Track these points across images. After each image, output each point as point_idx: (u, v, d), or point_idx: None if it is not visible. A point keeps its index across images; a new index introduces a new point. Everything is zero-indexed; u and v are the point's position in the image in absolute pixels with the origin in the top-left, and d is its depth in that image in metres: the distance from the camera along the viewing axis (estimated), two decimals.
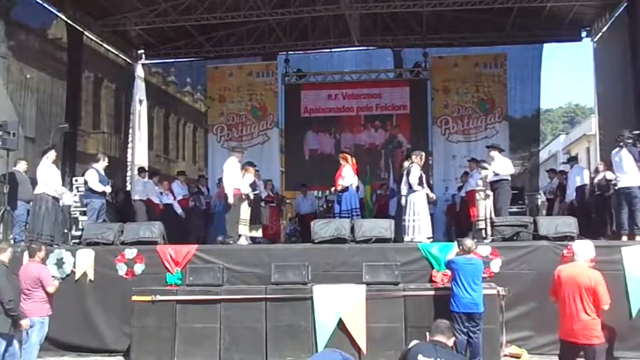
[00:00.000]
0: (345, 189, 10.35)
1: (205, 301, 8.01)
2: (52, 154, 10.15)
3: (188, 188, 13.63)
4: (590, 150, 24.51)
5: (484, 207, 9.76)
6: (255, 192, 10.80)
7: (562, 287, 5.82)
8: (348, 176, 10.38)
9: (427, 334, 4.68)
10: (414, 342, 4.67)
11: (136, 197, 12.34)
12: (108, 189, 10.58)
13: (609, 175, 10.60)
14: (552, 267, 8.18)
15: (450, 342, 4.66)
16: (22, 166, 10.29)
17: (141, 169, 13.45)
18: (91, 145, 17.51)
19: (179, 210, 12.66)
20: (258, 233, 10.87)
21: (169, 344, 7.95)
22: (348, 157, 10.77)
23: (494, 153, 10.21)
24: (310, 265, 8.25)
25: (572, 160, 12.98)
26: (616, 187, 9.63)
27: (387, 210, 13.57)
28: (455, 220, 13.63)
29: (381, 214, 12.61)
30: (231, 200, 10.01)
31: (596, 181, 11.35)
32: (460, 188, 13.67)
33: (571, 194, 11.75)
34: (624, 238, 9.08)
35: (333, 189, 10.88)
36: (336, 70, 17.84)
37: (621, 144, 9.28)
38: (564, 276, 5.86)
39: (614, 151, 9.56)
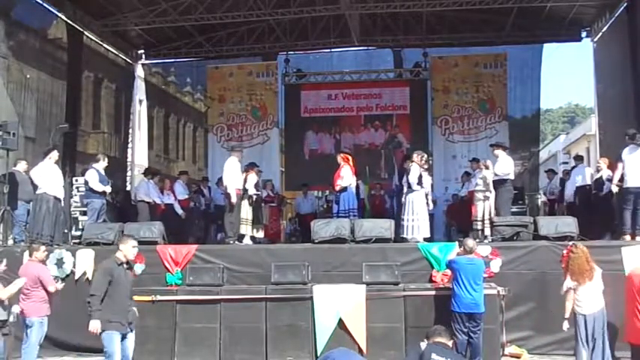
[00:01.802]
0: (344, 189, 10.35)
1: (205, 301, 8.01)
2: (54, 155, 10.16)
3: (188, 188, 13.62)
4: (590, 150, 24.51)
5: (482, 207, 9.75)
6: (258, 192, 10.83)
7: (626, 287, 5.77)
8: (346, 176, 10.37)
9: (425, 340, 4.70)
10: (424, 344, 4.70)
11: (139, 197, 12.33)
12: (108, 189, 10.59)
13: (606, 173, 10.54)
14: (552, 267, 8.26)
15: (450, 343, 4.70)
16: (22, 166, 10.30)
17: (147, 170, 13.47)
18: (91, 145, 17.49)
19: (179, 210, 12.66)
20: (260, 233, 10.89)
21: (169, 344, 7.96)
22: (349, 157, 10.77)
23: (498, 151, 10.16)
24: (310, 265, 8.25)
25: (578, 159, 12.95)
26: (623, 186, 9.44)
27: (381, 210, 13.56)
28: (456, 221, 13.63)
29: (375, 214, 12.60)
30: (234, 200, 10.01)
31: (593, 179, 11.32)
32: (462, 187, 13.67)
33: (569, 194, 11.71)
34: (627, 237, 9.00)
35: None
36: (336, 70, 17.85)
37: (638, 142, 9.12)
38: (628, 276, 5.80)
39: (626, 149, 9.29)
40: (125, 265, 6.38)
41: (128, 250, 6.40)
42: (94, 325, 6.06)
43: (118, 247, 6.48)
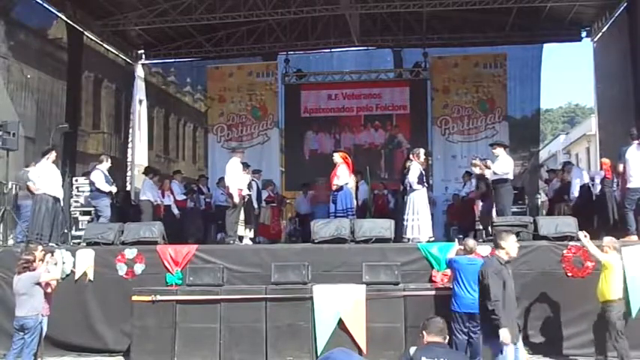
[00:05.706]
0: (340, 188, 10.33)
1: (205, 301, 8.01)
2: (52, 155, 10.16)
3: (185, 188, 13.59)
4: (590, 150, 24.54)
5: None
6: (249, 193, 10.84)
7: None
8: (343, 175, 10.36)
9: (423, 332, 4.63)
10: (413, 348, 4.64)
11: (145, 197, 12.32)
12: (114, 189, 10.73)
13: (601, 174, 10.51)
14: (552, 267, 8.26)
15: (445, 341, 4.64)
16: (31, 167, 10.38)
17: (149, 170, 13.46)
18: (91, 145, 17.49)
19: (175, 210, 12.65)
20: (250, 233, 10.90)
21: (169, 344, 7.96)
22: (348, 156, 10.76)
23: (498, 150, 10.05)
24: (310, 265, 8.25)
25: (568, 164, 13.05)
26: (627, 186, 9.21)
27: (385, 210, 13.55)
28: (456, 221, 13.62)
29: (379, 214, 12.60)
30: (237, 200, 10.03)
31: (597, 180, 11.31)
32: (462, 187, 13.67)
33: (574, 194, 11.67)
34: (634, 237, 8.88)
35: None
36: (336, 70, 17.84)
37: None
38: None
39: (631, 148, 9.14)
40: (508, 265, 5.67)
41: (511, 246, 5.67)
42: (505, 335, 5.34)
43: (499, 245, 5.69)
